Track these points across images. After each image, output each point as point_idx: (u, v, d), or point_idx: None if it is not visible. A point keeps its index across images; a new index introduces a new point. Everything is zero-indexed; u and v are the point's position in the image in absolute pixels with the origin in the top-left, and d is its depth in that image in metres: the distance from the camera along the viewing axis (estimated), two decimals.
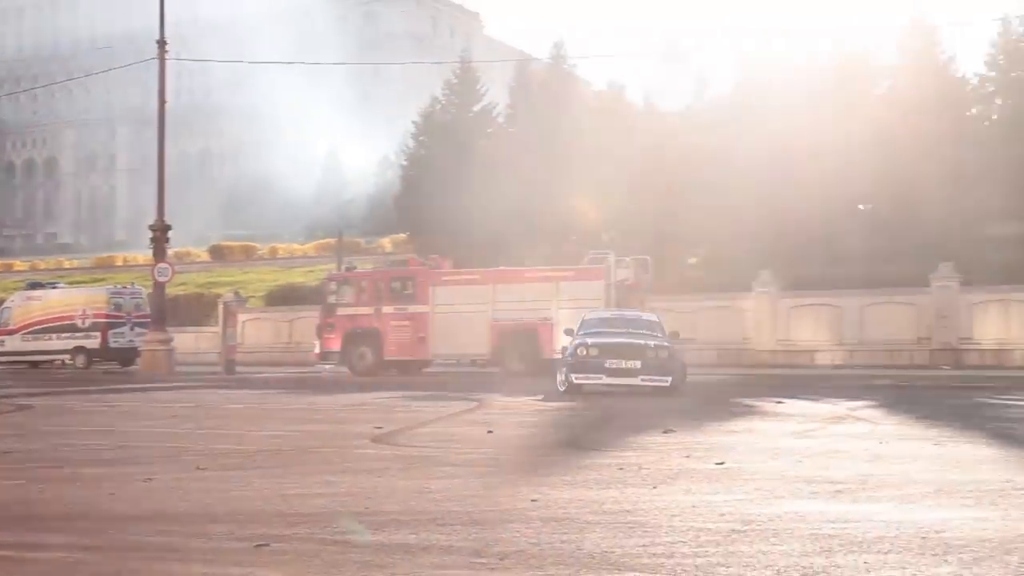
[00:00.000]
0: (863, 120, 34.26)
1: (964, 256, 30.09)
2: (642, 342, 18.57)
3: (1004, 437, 11.28)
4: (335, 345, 27.57)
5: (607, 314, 21.60)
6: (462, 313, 26.32)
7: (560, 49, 45.45)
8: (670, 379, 17.81)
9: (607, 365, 18.08)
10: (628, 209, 35.53)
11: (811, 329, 29.87)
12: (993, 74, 38.09)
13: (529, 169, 38.59)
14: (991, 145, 33.78)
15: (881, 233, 32.34)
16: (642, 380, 17.90)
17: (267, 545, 5.70)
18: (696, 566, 4.97)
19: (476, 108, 46.73)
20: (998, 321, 28.99)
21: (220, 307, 34.72)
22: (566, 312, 25.24)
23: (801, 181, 33.45)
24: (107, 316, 33.74)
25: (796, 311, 29.56)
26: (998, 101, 38.19)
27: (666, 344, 18.68)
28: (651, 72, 43.46)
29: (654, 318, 20.77)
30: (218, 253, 64.34)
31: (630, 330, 19.45)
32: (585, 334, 19.27)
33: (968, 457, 9.47)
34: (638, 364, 17.97)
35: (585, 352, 18.46)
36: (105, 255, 71.76)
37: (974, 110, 37.98)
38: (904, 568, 4.80)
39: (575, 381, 18.33)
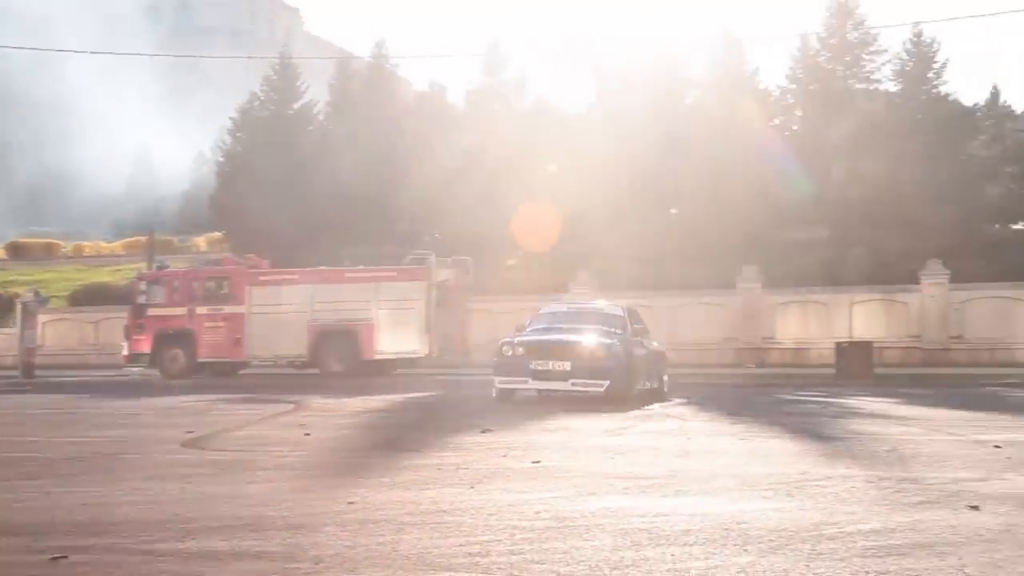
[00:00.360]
0: (676, 127, 35.69)
1: (769, 259, 31.72)
2: (574, 339, 15.77)
3: (802, 431, 11.92)
4: (145, 347, 26.60)
5: (563, 308, 19.14)
6: (280, 314, 25.85)
7: (382, 48, 45.32)
8: (606, 384, 15.19)
9: (532, 367, 15.35)
10: (449, 209, 35.71)
11: None
12: (793, 87, 40.27)
13: (350, 168, 38.31)
14: (793, 153, 35.76)
15: (693, 236, 33.66)
16: (572, 385, 15.32)
17: (65, 557, 5.44)
18: (511, 564, 5.05)
19: (296, 105, 46.01)
20: (798, 321, 30.79)
21: (18, 307, 32.96)
22: (386, 313, 25.21)
23: (617, 186, 34.52)
24: None
25: None
26: (798, 112, 40.39)
27: (608, 341, 15.79)
28: (473, 74, 43.88)
29: (617, 311, 17.67)
30: (16, 251, 61.01)
31: (579, 325, 16.72)
32: (531, 330, 16.90)
33: (769, 451, 9.99)
34: (567, 366, 15.24)
35: (511, 352, 15.80)
36: None
37: (777, 120, 40.02)
38: (708, 559, 5.00)
39: (499, 386, 15.80)
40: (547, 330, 16.68)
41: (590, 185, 34.68)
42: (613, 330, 16.49)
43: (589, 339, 15.81)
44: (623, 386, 15.57)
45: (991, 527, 5.90)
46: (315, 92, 46.70)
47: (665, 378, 18.70)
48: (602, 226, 34.29)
